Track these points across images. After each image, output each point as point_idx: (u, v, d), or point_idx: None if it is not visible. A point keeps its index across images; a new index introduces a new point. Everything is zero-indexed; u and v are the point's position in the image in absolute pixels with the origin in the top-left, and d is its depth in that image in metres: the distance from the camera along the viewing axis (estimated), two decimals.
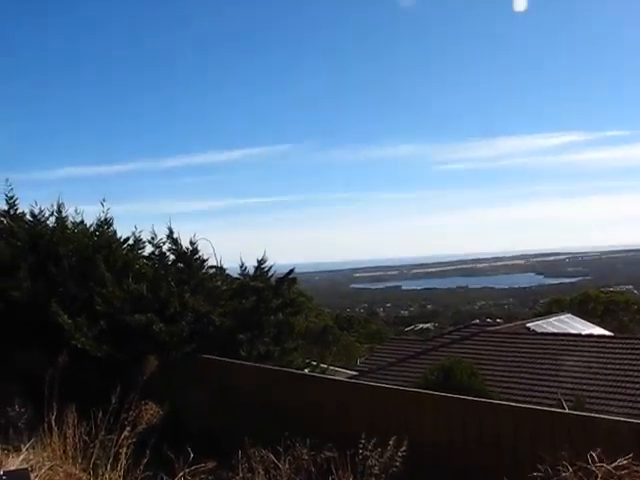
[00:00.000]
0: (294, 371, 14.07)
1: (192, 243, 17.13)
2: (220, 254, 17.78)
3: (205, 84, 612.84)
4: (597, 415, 8.87)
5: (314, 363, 17.76)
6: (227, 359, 14.32)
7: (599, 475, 5.54)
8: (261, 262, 17.21)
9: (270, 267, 17.29)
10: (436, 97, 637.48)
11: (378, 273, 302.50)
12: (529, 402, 19.58)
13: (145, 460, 8.61)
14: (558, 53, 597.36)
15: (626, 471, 5.56)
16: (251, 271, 17.37)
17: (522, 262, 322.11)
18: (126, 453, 8.71)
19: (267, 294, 16.22)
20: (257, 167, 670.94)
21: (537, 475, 5.87)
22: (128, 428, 8.80)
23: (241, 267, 17.56)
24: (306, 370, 16.67)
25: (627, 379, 21.52)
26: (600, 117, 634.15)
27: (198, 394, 14.02)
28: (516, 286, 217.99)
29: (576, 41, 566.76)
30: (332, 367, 26.21)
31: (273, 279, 16.97)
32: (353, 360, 45.10)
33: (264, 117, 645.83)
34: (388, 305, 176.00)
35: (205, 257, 17.41)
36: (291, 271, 17.08)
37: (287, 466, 8.24)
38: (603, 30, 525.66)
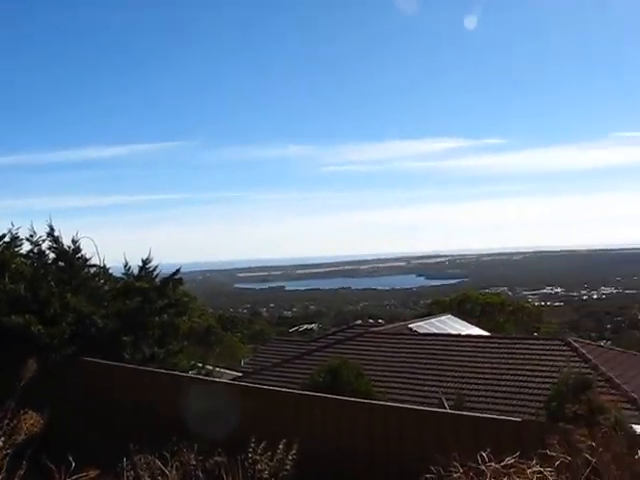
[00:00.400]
0: (179, 374, 13.76)
1: (74, 241, 16.56)
2: (103, 253, 17.27)
3: (92, 78, 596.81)
4: (485, 415, 9.07)
5: (200, 365, 17.48)
6: (110, 362, 13.88)
7: (489, 474, 5.65)
8: (146, 262, 16.84)
9: (155, 267, 16.93)
10: (325, 99, 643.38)
11: (262, 273, 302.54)
12: (413, 402, 19.92)
13: (21, 471, 8.16)
14: (444, 64, 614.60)
15: (513, 469, 5.69)
16: (136, 271, 16.96)
17: (404, 264, 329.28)
18: (0, 465, 8.23)
19: (152, 295, 15.86)
20: (144, 164, 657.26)
21: (429, 477, 5.93)
22: (2, 439, 8.32)
23: (125, 267, 17.13)
24: (191, 372, 16.40)
25: (503, 377, 22.24)
26: (480, 125, 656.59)
27: (80, 399, 13.51)
28: (398, 287, 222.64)
29: (460, 54, 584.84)
30: (217, 368, 25.92)
31: (158, 279, 16.62)
32: (236, 361, 44.82)
33: (152, 113, 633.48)
34: (272, 305, 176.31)
35: (88, 256, 16.88)
36: (177, 271, 16.80)
37: (174, 472, 8.03)
38: (489, 42, 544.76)
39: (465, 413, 10.62)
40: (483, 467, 5.63)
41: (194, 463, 8.01)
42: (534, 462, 5.63)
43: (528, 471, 5.46)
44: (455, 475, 5.71)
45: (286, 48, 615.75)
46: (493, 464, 5.64)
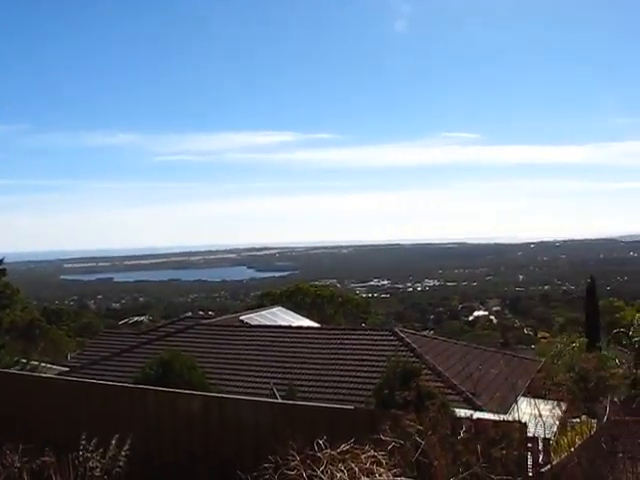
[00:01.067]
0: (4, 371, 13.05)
1: None
2: None
3: None
4: (320, 404, 9.24)
5: (24, 361, 16.72)
6: None
7: (325, 461, 5.82)
8: None
9: None
10: (154, 86, 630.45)
11: (89, 264, 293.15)
12: (246, 393, 19.99)
13: None
14: (291, 60, 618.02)
15: (349, 455, 5.89)
16: None
17: (234, 256, 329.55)
18: None
19: None
20: None
21: (268, 466, 6.02)
22: None
23: None
24: (15, 368, 15.68)
25: (333, 367, 22.77)
26: (312, 120, 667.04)
27: None
28: (228, 279, 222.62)
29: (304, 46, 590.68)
30: (42, 363, 24.87)
31: None
32: (63, 355, 43.18)
33: None
34: (100, 297, 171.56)
35: None
36: (0, 261, 15.97)
37: None
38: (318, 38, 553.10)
39: (300, 403, 10.80)
40: (319, 454, 5.79)
41: (18, 465, 7.66)
42: (368, 447, 5.86)
43: (362, 456, 5.68)
44: (292, 463, 5.83)
45: (118, 34, 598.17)
46: (329, 451, 5.81)
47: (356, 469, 5.37)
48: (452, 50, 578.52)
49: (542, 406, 9.41)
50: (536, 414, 8.22)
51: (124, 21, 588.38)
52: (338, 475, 5.35)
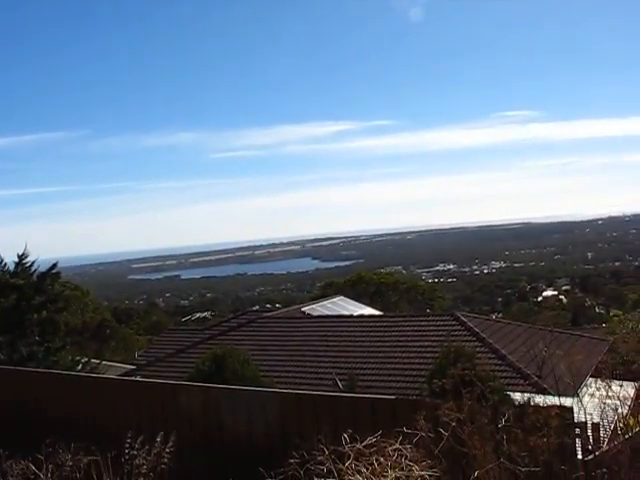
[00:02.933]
0: (50, 371, 13.07)
1: None
2: None
3: None
4: (358, 395, 9.06)
5: (84, 360, 16.93)
6: None
7: (351, 455, 5.62)
8: (22, 257, 16.15)
9: (33, 262, 16.24)
10: (211, 85, 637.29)
11: (156, 263, 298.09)
12: (307, 384, 19.98)
13: None
14: (327, 46, 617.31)
15: (374, 449, 5.68)
16: (13, 267, 16.24)
17: (298, 247, 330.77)
18: None
19: (29, 291, 15.20)
20: (22, 156, 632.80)
21: (293, 462, 5.86)
22: None
23: (0, 263, 16.39)
24: (78, 368, 15.89)
25: (394, 355, 22.54)
26: (369, 108, 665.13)
27: None
28: (293, 271, 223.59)
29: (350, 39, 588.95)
30: (107, 362, 25.26)
31: (36, 275, 15.95)
32: (132, 353, 43.96)
33: (31, 105, 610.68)
34: (168, 295, 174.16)
35: None
36: (54, 265, 16.16)
37: (49, 475, 7.69)
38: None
39: (343, 394, 10.64)
40: (346, 449, 5.61)
41: (70, 464, 7.70)
42: (398, 440, 5.65)
43: (388, 449, 5.47)
44: (319, 458, 5.66)
45: (169, 40, 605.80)
46: (357, 445, 5.62)
47: (382, 462, 5.17)
48: (499, 25, 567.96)
49: (610, 387, 8.99)
50: (602, 396, 7.89)
51: (183, 22, 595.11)
52: (363, 470, 5.15)
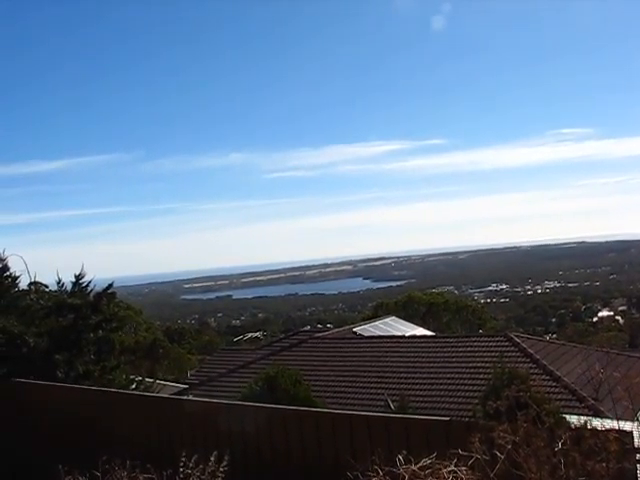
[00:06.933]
0: (105, 390, 13.24)
1: (1, 260, 16.08)
2: (35, 270, 16.82)
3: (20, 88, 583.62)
4: (412, 416, 9.02)
5: (139, 379, 17.12)
6: (41, 382, 13.44)
7: (405, 477, 5.59)
8: (79, 277, 16.42)
9: (89, 282, 16.53)
10: (263, 106, 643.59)
11: (208, 283, 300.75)
12: (359, 405, 19.94)
13: None
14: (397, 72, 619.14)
15: (429, 470, 5.64)
16: (70, 287, 16.55)
17: (350, 267, 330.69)
18: None
19: (85, 310, 15.47)
20: (79, 178, 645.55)
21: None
22: None
23: (58, 283, 16.70)
24: (133, 387, 16.09)
25: (446, 375, 22.36)
26: (421, 127, 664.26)
27: (13, 419, 13.06)
28: (345, 291, 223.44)
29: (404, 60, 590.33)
30: (160, 382, 25.50)
31: (92, 295, 16.23)
32: (184, 372, 44.32)
33: (87, 127, 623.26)
34: (219, 315, 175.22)
35: (17, 274, 16.41)
36: (110, 285, 16.39)
37: None
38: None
39: (395, 415, 10.59)
40: (401, 470, 5.57)
41: None
42: (453, 462, 5.60)
43: (443, 471, 5.42)
44: (373, 479, 5.63)
45: (227, 62, 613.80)
46: (412, 466, 5.58)
47: None
48: (553, 41, 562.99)
49: None
50: None
51: (233, 44, 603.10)
52: None
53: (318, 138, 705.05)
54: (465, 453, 5.64)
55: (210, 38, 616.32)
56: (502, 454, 5.64)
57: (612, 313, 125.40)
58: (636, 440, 6.61)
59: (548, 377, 20.59)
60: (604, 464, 5.50)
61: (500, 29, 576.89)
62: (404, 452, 5.82)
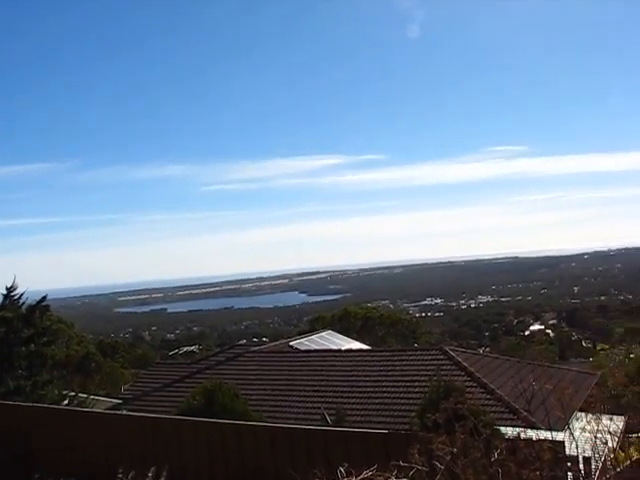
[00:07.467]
0: (35, 405, 12.89)
1: None
2: None
3: None
4: (351, 429, 9.05)
5: (72, 394, 16.79)
6: None
7: None
8: (11, 290, 16.07)
9: (21, 295, 16.18)
10: (201, 117, 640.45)
11: (143, 296, 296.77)
12: (294, 419, 19.86)
13: None
14: (336, 85, 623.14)
15: None
16: (0, 300, 16.17)
17: (286, 281, 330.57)
18: None
19: (17, 324, 15.13)
20: (11, 187, 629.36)
21: None
22: None
23: None
24: (65, 402, 15.76)
25: (383, 389, 22.48)
26: (357, 142, 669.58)
27: None
28: (281, 305, 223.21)
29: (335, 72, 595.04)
30: (94, 397, 25.00)
31: (24, 307, 15.88)
32: (118, 387, 43.53)
33: (19, 135, 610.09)
34: (154, 328, 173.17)
35: None
36: (44, 298, 16.09)
37: None
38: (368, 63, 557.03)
39: (334, 428, 10.62)
40: None
41: None
42: (393, 473, 5.65)
43: None
44: None
45: (164, 72, 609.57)
46: (353, 478, 5.61)
47: None
48: (490, 60, 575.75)
49: (600, 421, 9.01)
50: (591, 430, 7.90)
51: (172, 52, 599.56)
52: None
53: (258, 151, 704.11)
54: (406, 464, 5.71)
55: (150, 46, 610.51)
56: (441, 465, 5.73)
57: (543, 327, 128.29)
58: (567, 449, 6.79)
59: (482, 390, 20.86)
60: (538, 472, 5.64)
61: (435, 46, 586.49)
62: (345, 464, 5.85)
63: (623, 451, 9.17)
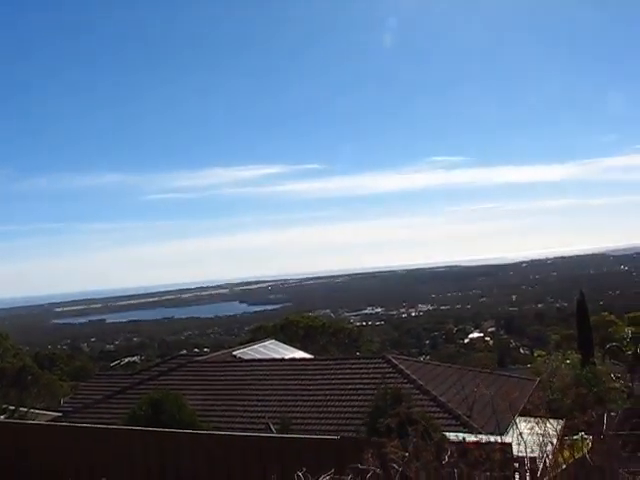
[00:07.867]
0: None
1: None
2: None
3: None
4: (304, 436, 9.13)
5: (12, 408, 16.48)
6: None
7: None
8: None
9: None
10: (141, 126, 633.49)
11: (81, 307, 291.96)
12: (239, 429, 19.83)
13: None
14: (272, 92, 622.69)
15: None
16: None
17: (226, 291, 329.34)
18: None
19: None
20: None
21: None
22: None
23: None
24: (3, 416, 15.48)
25: (327, 397, 22.62)
26: (299, 152, 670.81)
27: None
28: (221, 315, 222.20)
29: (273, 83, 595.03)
30: (33, 410, 24.56)
31: None
32: (57, 400, 42.83)
33: None
34: (93, 340, 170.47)
35: None
36: None
37: None
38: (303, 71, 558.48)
39: (288, 435, 10.70)
40: None
41: None
42: (348, 478, 5.77)
43: None
44: None
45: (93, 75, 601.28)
46: None
47: None
48: (432, 73, 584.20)
49: (539, 425, 9.32)
50: (532, 433, 8.16)
51: (108, 58, 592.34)
52: None
53: (196, 160, 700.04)
54: (361, 466, 5.82)
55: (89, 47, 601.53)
56: (394, 469, 5.86)
57: (482, 334, 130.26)
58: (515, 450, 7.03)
59: (425, 397, 21.17)
60: (489, 473, 5.83)
61: (378, 57, 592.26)
62: (303, 469, 5.93)
63: (566, 451, 9.50)
